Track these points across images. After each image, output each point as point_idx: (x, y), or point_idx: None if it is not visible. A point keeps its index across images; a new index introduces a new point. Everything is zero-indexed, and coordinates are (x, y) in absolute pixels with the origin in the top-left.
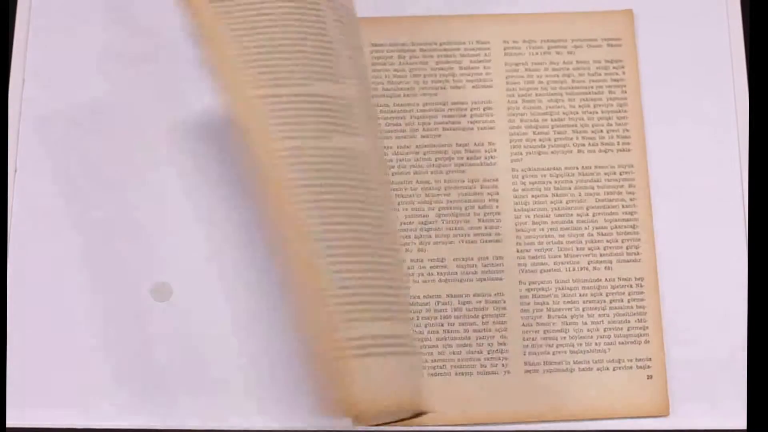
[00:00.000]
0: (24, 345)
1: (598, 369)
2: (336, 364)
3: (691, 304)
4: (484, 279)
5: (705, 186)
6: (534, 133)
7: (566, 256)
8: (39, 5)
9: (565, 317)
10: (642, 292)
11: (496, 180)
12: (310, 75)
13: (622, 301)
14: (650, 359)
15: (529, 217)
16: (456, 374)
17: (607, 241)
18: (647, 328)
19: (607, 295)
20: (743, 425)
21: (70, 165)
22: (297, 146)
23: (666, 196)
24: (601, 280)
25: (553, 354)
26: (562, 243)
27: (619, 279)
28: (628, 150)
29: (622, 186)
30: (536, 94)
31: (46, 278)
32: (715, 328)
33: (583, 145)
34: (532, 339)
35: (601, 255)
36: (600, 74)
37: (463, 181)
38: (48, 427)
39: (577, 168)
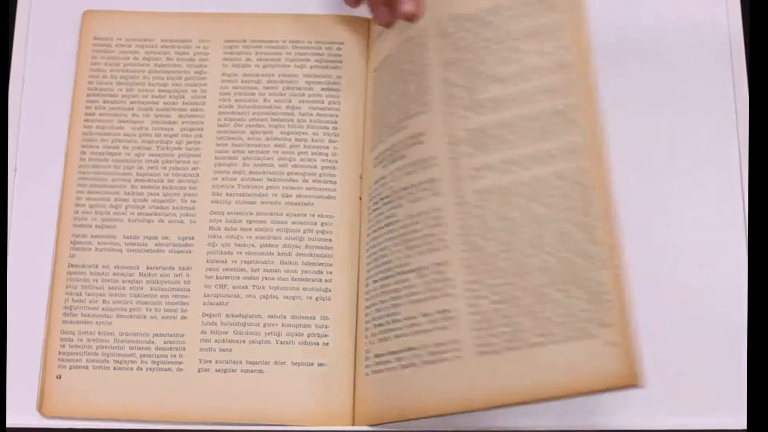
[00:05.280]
0: (24, 344)
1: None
2: None
3: (691, 305)
4: None
5: (705, 186)
6: None
7: None
8: (39, 5)
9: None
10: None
11: None
12: None
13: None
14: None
15: None
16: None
17: None
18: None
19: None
20: (743, 425)
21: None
22: None
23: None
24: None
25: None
26: None
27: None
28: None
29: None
30: None
31: (46, 278)
32: (715, 329)
33: None
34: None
35: None
36: None
37: None
38: (49, 427)
39: None
